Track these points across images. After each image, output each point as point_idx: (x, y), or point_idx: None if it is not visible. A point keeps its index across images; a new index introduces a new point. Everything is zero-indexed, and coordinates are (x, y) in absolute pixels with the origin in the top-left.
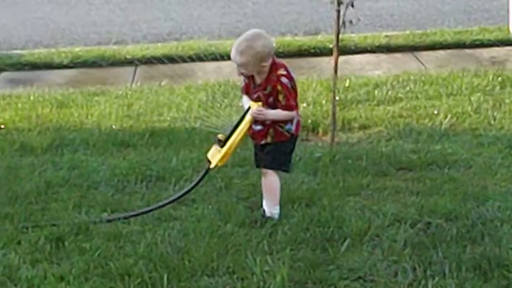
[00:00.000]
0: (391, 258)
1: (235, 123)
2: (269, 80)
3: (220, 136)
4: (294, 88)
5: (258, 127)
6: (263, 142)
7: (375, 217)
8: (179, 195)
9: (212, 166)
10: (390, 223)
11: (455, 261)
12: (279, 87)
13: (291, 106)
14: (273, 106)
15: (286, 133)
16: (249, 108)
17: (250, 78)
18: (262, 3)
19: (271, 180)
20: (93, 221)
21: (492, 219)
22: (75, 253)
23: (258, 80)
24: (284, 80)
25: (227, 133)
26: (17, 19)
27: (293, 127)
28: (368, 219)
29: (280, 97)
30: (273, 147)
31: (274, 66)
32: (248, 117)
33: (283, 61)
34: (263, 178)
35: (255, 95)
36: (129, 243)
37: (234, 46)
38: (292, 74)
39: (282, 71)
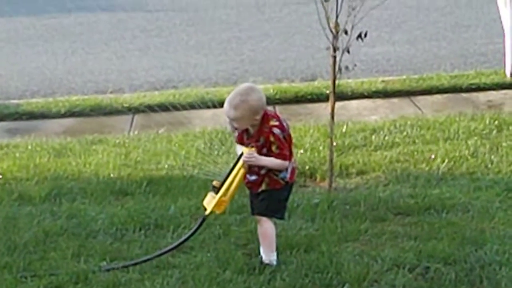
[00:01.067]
0: None
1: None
2: (261, 132)
3: (215, 182)
4: (287, 138)
5: (253, 177)
6: (259, 190)
7: (374, 262)
8: (177, 243)
9: (207, 213)
10: (389, 268)
11: None
12: (271, 138)
13: (284, 155)
14: (267, 157)
15: (280, 180)
16: (242, 154)
17: (244, 129)
18: (259, 50)
19: (266, 227)
20: (93, 270)
21: (491, 262)
22: None
23: (251, 131)
24: (276, 130)
25: (222, 179)
26: (14, 69)
27: (288, 175)
28: (367, 264)
29: (273, 148)
30: (268, 194)
31: (266, 117)
32: (240, 162)
33: (281, 107)
34: (258, 226)
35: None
36: None
37: (227, 101)
38: (285, 124)
39: (274, 122)
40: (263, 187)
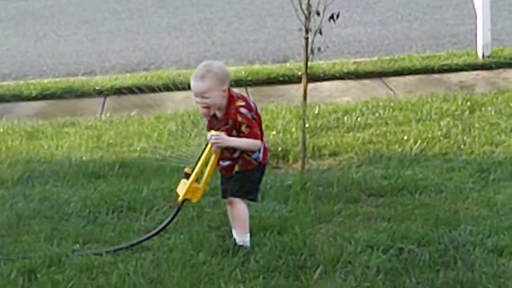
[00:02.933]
0: (364, 285)
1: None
2: (228, 114)
3: (187, 169)
4: (256, 118)
5: (227, 163)
6: (232, 173)
7: (347, 244)
8: (154, 232)
9: (179, 200)
10: (362, 250)
11: (428, 286)
12: (239, 118)
13: (255, 134)
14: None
15: (253, 161)
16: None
17: (212, 115)
18: (230, 32)
19: (238, 208)
20: (66, 253)
21: (464, 243)
22: (48, 286)
23: (219, 115)
24: (243, 110)
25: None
26: None
27: (261, 155)
28: (340, 246)
29: (243, 128)
30: (241, 175)
31: (232, 99)
32: (209, 146)
33: (253, 89)
34: (229, 208)
35: (219, 131)
36: (101, 274)
37: (192, 77)
38: (252, 104)
39: (240, 102)
40: (236, 168)
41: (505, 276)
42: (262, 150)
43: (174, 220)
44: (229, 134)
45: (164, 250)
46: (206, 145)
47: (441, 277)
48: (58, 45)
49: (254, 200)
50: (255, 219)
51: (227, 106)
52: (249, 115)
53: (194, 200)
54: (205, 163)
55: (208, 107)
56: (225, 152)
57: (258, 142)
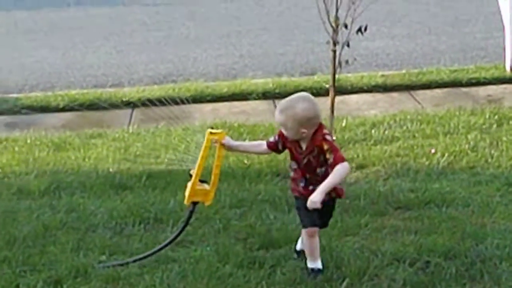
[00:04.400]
0: None
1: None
2: (314, 141)
3: (192, 171)
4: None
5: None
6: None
7: (374, 256)
8: (171, 239)
9: (185, 202)
10: (389, 263)
11: None
12: (325, 146)
13: (341, 158)
14: (326, 166)
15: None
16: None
17: (295, 142)
18: (258, 44)
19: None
20: (92, 264)
21: (491, 257)
22: None
23: (304, 146)
24: (328, 137)
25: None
26: (13, 63)
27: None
28: (367, 258)
29: (327, 154)
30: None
31: (320, 128)
32: (204, 144)
33: (272, 104)
34: (313, 238)
35: (305, 161)
36: (128, 286)
37: (278, 105)
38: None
39: (326, 131)
40: (333, 194)
41: None
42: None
43: (189, 222)
44: (318, 163)
45: (191, 262)
46: (208, 146)
47: None
48: (86, 56)
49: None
50: (282, 231)
51: (313, 135)
52: (334, 142)
53: (206, 203)
54: (204, 163)
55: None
56: (313, 175)
57: (346, 164)
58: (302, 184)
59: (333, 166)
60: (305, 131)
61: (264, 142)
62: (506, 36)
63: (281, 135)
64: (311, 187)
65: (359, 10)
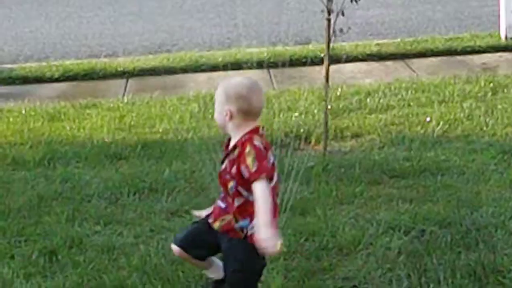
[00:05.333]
0: (385, 266)
1: None
2: (240, 139)
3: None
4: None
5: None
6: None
7: (369, 225)
8: None
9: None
10: (384, 231)
11: (449, 268)
12: (247, 148)
13: (265, 168)
14: (236, 180)
15: (238, 230)
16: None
17: (227, 142)
18: (253, 13)
19: None
20: (87, 234)
21: (486, 225)
22: (69, 267)
23: (231, 144)
24: (257, 142)
25: None
26: (7, 33)
27: (249, 227)
28: (362, 227)
29: (249, 160)
30: (228, 247)
31: (255, 130)
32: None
33: (275, 71)
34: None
35: (223, 166)
36: (122, 255)
37: None
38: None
39: (259, 139)
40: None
41: None
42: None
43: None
44: (229, 171)
45: None
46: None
47: (462, 259)
48: (80, 26)
49: None
50: (280, 201)
51: (242, 134)
52: (261, 148)
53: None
54: None
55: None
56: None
57: (264, 183)
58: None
59: (253, 179)
60: (228, 113)
61: None
62: (500, 4)
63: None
64: (218, 201)
65: None
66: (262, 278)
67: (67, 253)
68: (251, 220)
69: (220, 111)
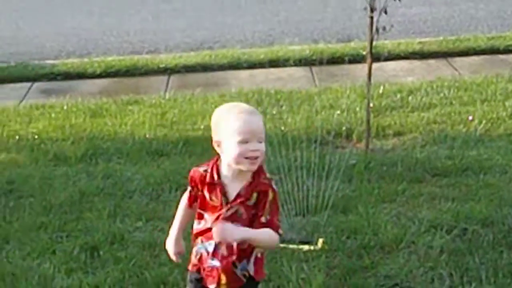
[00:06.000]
0: (427, 265)
1: None
2: (256, 185)
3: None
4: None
5: (222, 263)
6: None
7: (411, 223)
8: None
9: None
10: (426, 230)
11: (492, 267)
12: (270, 195)
13: (276, 225)
14: (247, 225)
15: (240, 276)
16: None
17: (217, 185)
18: (295, 10)
19: None
20: (128, 230)
21: None
22: (110, 262)
23: (232, 190)
24: (275, 187)
25: None
26: (50, 29)
27: (252, 267)
28: (404, 225)
29: (266, 209)
30: None
31: (261, 169)
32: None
33: (317, 69)
34: None
35: (229, 212)
36: (164, 252)
37: (245, 111)
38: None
39: (268, 175)
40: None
41: None
42: (253, 260)
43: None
44: (248, 217)
45: None
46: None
47: (504, 258)
48: (122, 22)
49: None
50: (319, 198)
51: (253, 175)
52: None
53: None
54: None
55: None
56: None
57: (276, 237)
58: (209, 249)
59: (261, 226)
60: (215, 140)
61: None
62: None
63: (193, 179)
64: (209, 261)
65: None
66: (304, 275)
67: (108, 249)
68: (248, 259)
69: (214, 140)
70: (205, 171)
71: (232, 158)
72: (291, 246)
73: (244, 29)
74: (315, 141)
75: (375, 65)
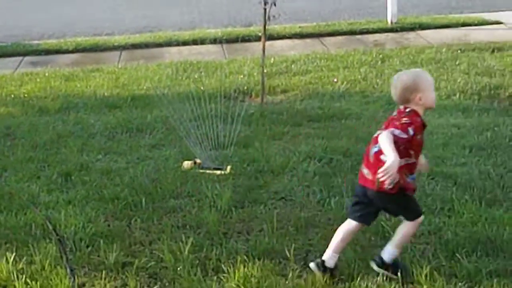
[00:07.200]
0: (304, 184)
1: None
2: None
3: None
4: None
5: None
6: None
7: (293, 155)
8: None
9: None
10: (303, 159)
11: (350, 185)
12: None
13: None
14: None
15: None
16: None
17: (425, 127)
18: (211, 3)
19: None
20: (92, 161)
21: None
22: (79, 184)
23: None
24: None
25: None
26: (35, 17)
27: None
28: (288, 156)
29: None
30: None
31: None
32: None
33: (227, 45)
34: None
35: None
36: (118, 176)
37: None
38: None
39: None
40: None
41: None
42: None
43: (168, 133)
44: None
45: (162, 159)
46: None
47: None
48: (89, 12)
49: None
50: (227, 137)
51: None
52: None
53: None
54: None
55: None
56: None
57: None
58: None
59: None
60: (418, 100)
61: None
62: None
63: (418, 127)
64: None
65: None
66: (217, 192)
67: (78, 174)
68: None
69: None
70: (422, 119)
71: (433, 102)
72: (208, 171)
73: (174, 18)
74: (225, 97)
75: (267, 43)
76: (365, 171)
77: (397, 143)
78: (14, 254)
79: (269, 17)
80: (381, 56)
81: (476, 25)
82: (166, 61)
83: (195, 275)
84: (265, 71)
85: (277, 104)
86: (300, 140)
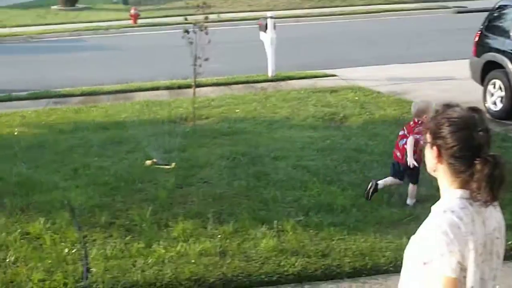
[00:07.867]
0: (218, 173)
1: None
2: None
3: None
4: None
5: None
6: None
7: (212, 156)
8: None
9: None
10: (218, 158)
11: (244, 174)
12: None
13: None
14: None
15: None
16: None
17: None
18: (162, 65)
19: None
20: None
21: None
22: (83, 176)
23: None
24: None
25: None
26: (56, 74)
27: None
28: (209, 157)
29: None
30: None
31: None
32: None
33: (172, 91)
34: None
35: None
36: (106, 170)
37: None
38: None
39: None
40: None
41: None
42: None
43: None
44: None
45: (133, 160)
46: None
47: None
48: (87, 72)
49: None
50: (173, 144)
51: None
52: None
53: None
54: None
55: None
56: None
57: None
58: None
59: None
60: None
61: None
62: (268, 60)
63: None
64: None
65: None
66: (166, 178)
67: (82, 170)
68: None
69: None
70: None
71: None
72: (161, 166)
73: (140, 74)
74: (171, 121)
75: (197, 89)
76: (398, 153)
77: (417, 141)
78: (44, 218)
79: (197, 73)
80: (265, 96)
81: (321, 77)
82: (136, 100)
83: (153, 229)
84: (195, 105)
85: (202, 126)
86: (216, 147)
